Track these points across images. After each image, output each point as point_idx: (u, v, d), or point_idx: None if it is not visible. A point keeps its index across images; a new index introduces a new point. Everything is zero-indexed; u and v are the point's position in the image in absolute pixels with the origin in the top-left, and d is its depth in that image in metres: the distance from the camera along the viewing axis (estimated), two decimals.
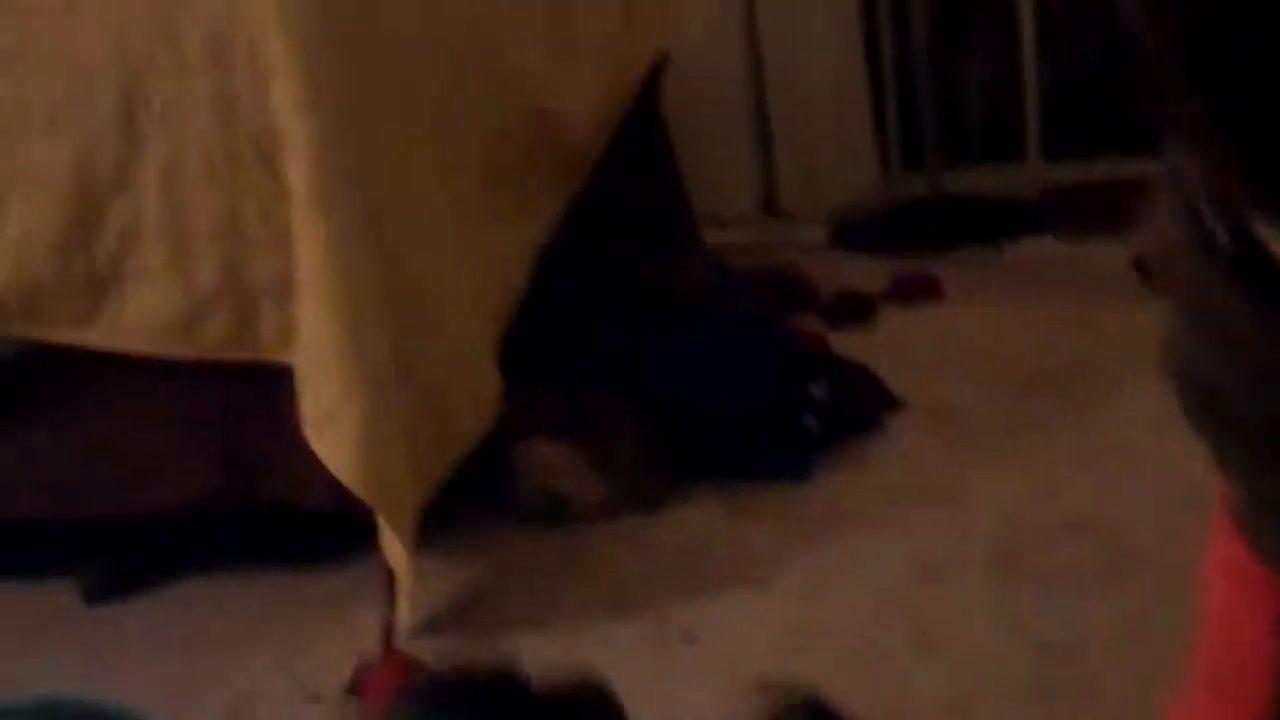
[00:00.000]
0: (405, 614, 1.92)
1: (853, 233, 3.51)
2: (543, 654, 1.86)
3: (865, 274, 3.25)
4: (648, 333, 2.42)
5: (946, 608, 1.88)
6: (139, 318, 2.00)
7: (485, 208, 2.22)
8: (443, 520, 2.02)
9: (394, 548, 1.90)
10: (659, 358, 2.36)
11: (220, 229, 1.94)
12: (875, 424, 2.42)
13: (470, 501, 2.15)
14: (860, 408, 2.43)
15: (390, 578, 1.92)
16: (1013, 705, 1.68)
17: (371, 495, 1.86)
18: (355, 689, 1.84)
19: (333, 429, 1.85)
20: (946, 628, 1.83)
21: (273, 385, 2.01)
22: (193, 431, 2.10)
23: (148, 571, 2.22)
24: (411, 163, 2.02)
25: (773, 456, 2.29)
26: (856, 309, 2.99)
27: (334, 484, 1.92)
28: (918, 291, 3.08)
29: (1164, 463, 2.19)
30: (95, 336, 2.02)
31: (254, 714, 1.87)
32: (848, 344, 2.77)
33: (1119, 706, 1.65)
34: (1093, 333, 2.79)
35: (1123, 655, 1.73)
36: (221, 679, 1.95)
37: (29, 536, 2.23)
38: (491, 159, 2.23)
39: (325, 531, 2.12)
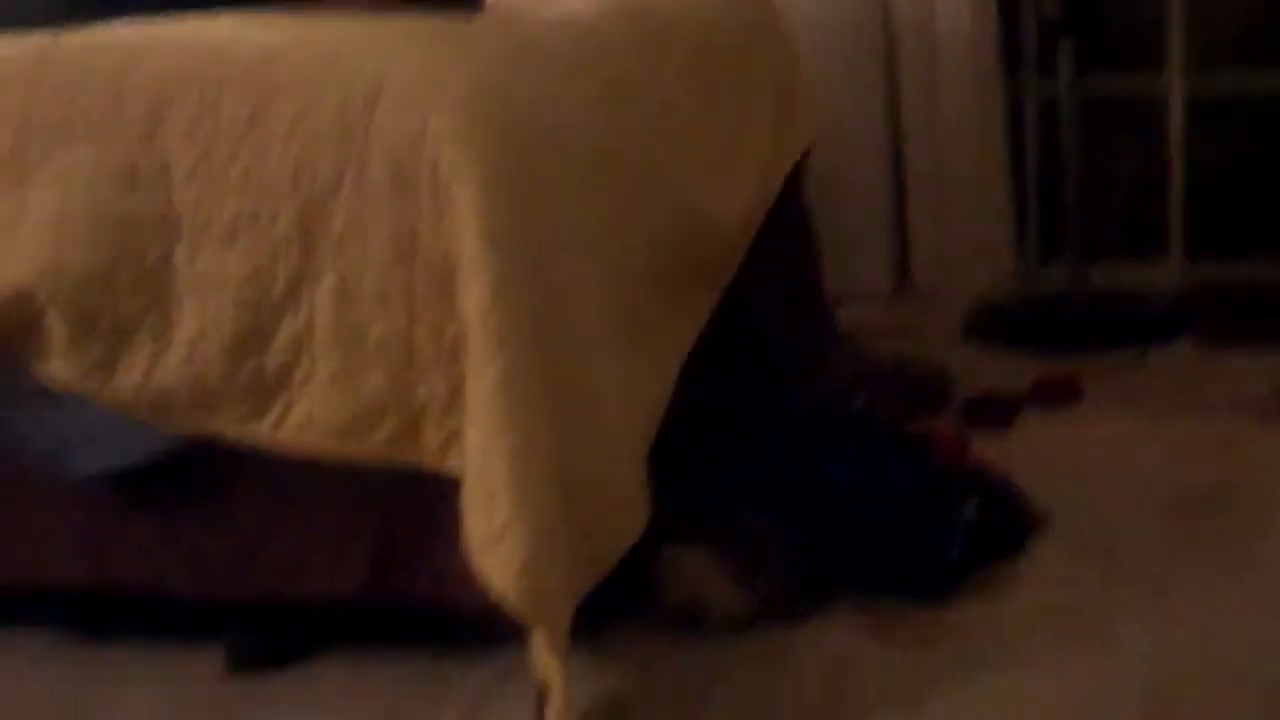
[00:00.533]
0: None
1: (988, 324, 3.48)
2: None
3: (999, 368, 3.23)
4: (796, 449, 2.41)
5: None
6: (303, 422, 2.03)
7: (644, 321, 2.23)
8: (581, 622, 2.02)
9: (548, 663, 1.91)
10: (807, 477, 2.35)
11: (389, 346, 1.97)
12: (1020, 545, 2.40)
13: (609, 605, 2.14)
14: (1006, 528, 2.40)
15: (541, 691, 1.94)
16: None
17: (532, 614, 1.88)
18: None
19: (498, 552, 1.87)
20: None
21: (428, 488, 2.04)
22: (345, 529, 2.13)
23: (290, 649, 2.26)
24: (584, 285, 2.04)
25: (914, 577, 2.28)
26: (996, 412, 2.97)
27: (483, 587, 1.94)
28: (1057, 396, 3.05)
29: None
30: (259, 436, 2.05)
31: None
32: (986, 448, 2.75)
33: None
34: (1240, 456, 2.74)
35: None
36: None
37: (177, 609, 2.27)
38: (651, 270, 2.25)
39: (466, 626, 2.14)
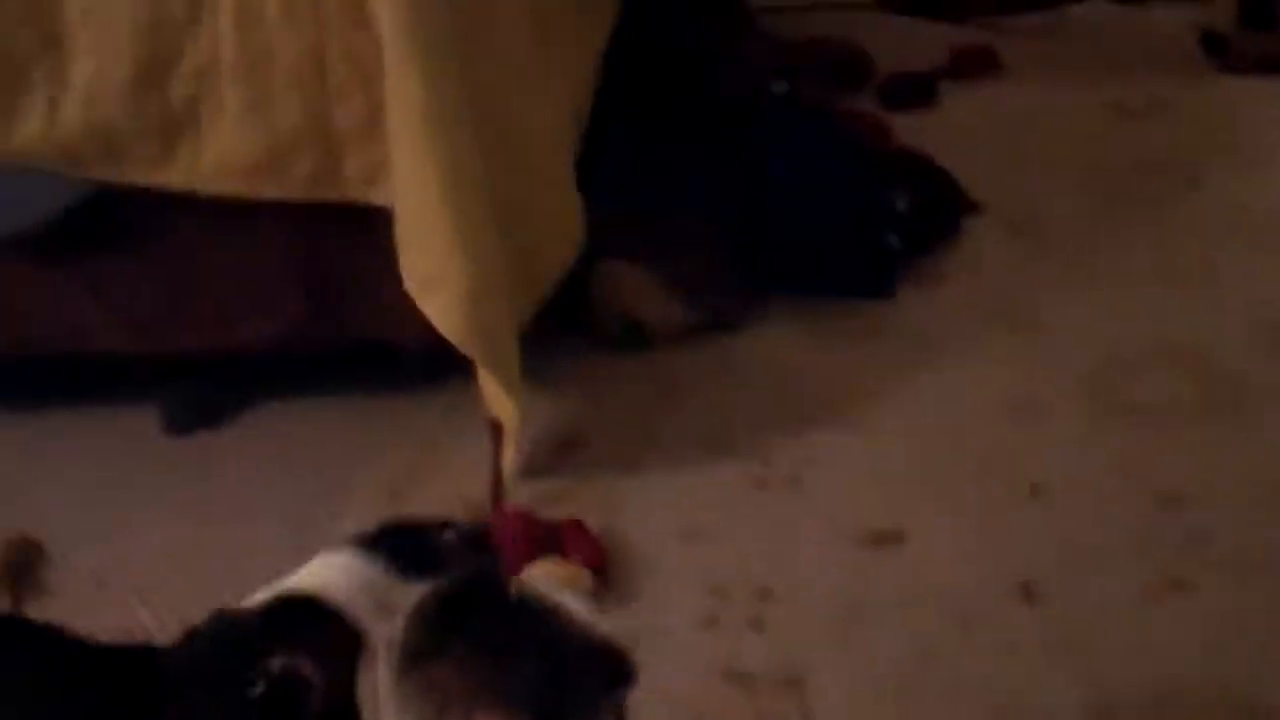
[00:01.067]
0: (511, 464, 1.93)
1: None
2: (647, 498, 1.90)
3: (914, 39, 3.16)
4: (727, 141, 2.34)
5: (1050, 450, 1.89)
6: (217, 159, 1.93)
7: (560, 23, 2.13)
8: (523, 349, 1.99)
9: (500, 400, 1.90)
10: (741, 173, 2.29)
11: (302, 70, 1.86)
12: (954, 232, 2.39)
13: (548, 328, 2.11)
14: (939, 216, 2.39)
15: (494, 426, 1.92)
16: (1128, 557, 1.71)
17: (480, 352, 1.85)
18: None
19: (439, 290, 1.82)
20: (1052, 472, 1.84)
21: (358, 221, 1.97)
22: (277, 267, 2.05)
23: (231, 401, 2.21)
24: None
25: (854, 274, 2.27)
26: (915, 89, 2.90)
27: (423, 319, 1.90)
28: (976, 67, 2.98)
29: (1248, 279, 2.19)
30: (173, 178, 1.94)
31: None
32: (909, 129, 2.72)
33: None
34: (1163, 116, 2.73)
35: (1235, 499, 1.76)
36: (328, 518, 1.96)
37: (106, 371, 2.21)
38: None
39: (412, 364, 2.11)
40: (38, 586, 1.94)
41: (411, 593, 0.82)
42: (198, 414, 2.20)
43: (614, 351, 2.20)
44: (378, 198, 1.93)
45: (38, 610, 1.89)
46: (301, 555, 1.86)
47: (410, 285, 1.85)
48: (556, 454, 2.01)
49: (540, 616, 0.82)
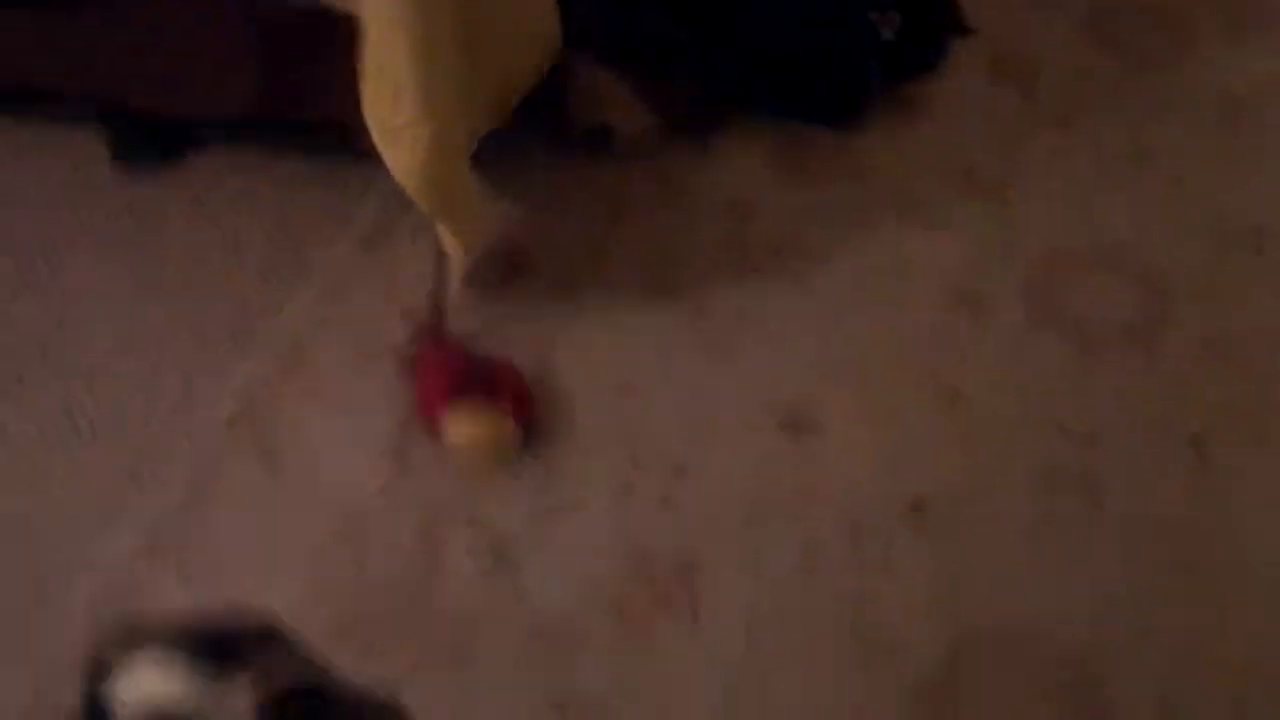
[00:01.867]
0: (453, 292, 1.95)
1: None
2: (583, 338, 1.94)
3: None
4: None
5: (978, 356, 1.93)
6: None
7: None
8: (484, 147, 1.97)
9: (450, 241, 1.89)
10: None
11: None
12: (938, 59, 2.32)
13: (516, 125, 2.07)
14: (927, 43, 2.31)
15: (442, 255, 1.93)
16: (1021, 490, 1.79)
17: (433, 206, 1.83)
18: (407, 363, 1.91)
19: (402, 142, 1.77)
20: (974, 383, 1.89)
21: (321, 22, 1.90)
22: (235, 41, 1.98)
23: (184, 141, 2.19)
24: None
25: (827, 102, 2.22)
26: None
27: None
28: None
29: (1216, 184, 2.17)
30: None
31: (308, 358, 1.93)
32: None
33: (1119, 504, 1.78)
34: None
35: (1134, 449, 1.83)
36: (260, 312, 1.99)
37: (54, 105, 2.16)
38: None
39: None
40: None
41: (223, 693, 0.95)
42: (148, 147, 2.18)
43: (574, 155, 2.18)
44: (344, 4, 1.85)
45: None
46: (235, 349, 1.92)
47: (372, 125, 1.81)
48: (502, 278, 2.03)
49: None
